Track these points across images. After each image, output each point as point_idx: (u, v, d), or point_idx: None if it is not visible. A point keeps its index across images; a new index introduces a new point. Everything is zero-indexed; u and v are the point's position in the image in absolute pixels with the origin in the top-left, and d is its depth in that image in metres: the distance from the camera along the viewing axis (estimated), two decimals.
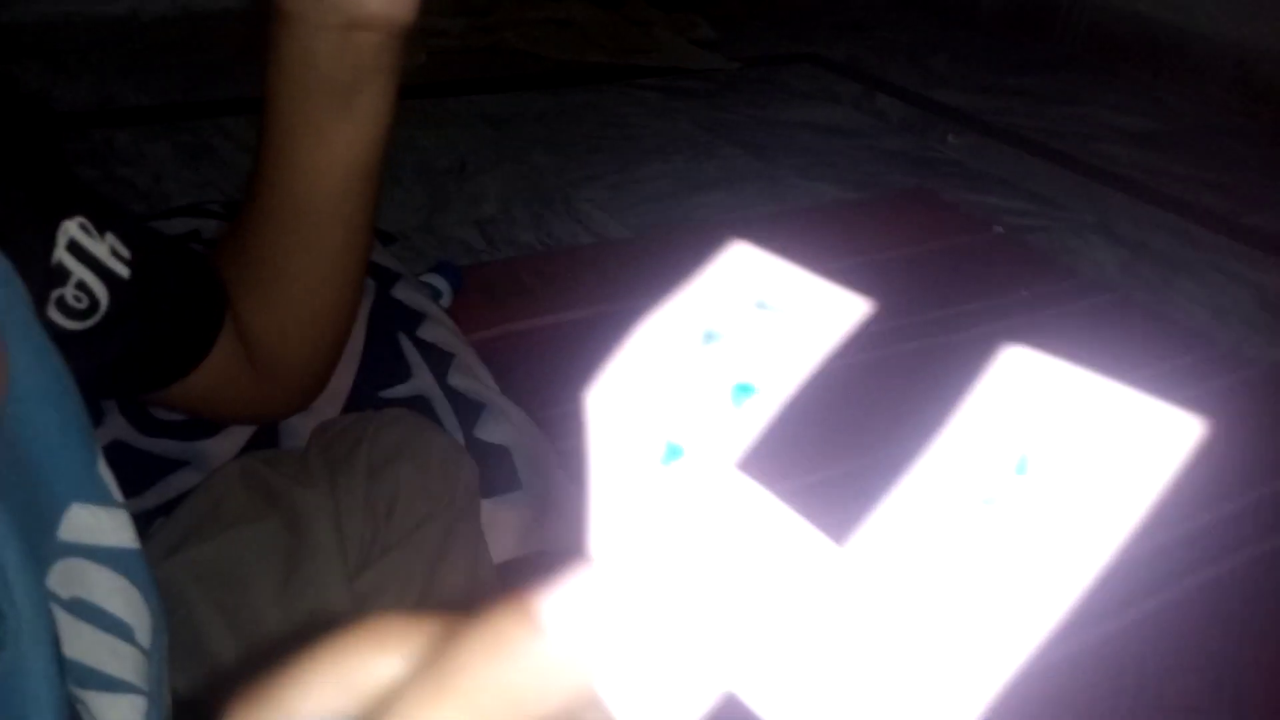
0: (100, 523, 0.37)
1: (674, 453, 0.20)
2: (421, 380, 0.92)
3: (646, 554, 0.16)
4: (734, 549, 0.15)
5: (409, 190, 1.63)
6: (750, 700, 0.14)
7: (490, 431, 0.92)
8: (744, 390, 0.20)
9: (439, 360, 0.95)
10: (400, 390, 0.91)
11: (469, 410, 0.93)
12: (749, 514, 0.15)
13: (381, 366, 0.90)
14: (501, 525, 0.86)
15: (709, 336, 0.23)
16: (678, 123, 2.01)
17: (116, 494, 0.38)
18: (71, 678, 0.35)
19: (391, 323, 0.96)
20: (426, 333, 0.98)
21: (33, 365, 0.35)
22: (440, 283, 1.28)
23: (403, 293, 0.99)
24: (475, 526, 0.75)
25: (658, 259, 1.47)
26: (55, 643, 0.33)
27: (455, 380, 0.95)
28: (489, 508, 0.87)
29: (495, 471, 0.90)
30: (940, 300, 1.40)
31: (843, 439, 1.11)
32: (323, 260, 0.54)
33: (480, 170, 1.73)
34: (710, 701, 0.15)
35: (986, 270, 1.51)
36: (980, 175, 1.87)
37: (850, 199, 1.72)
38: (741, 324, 0.19)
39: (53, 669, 0.31)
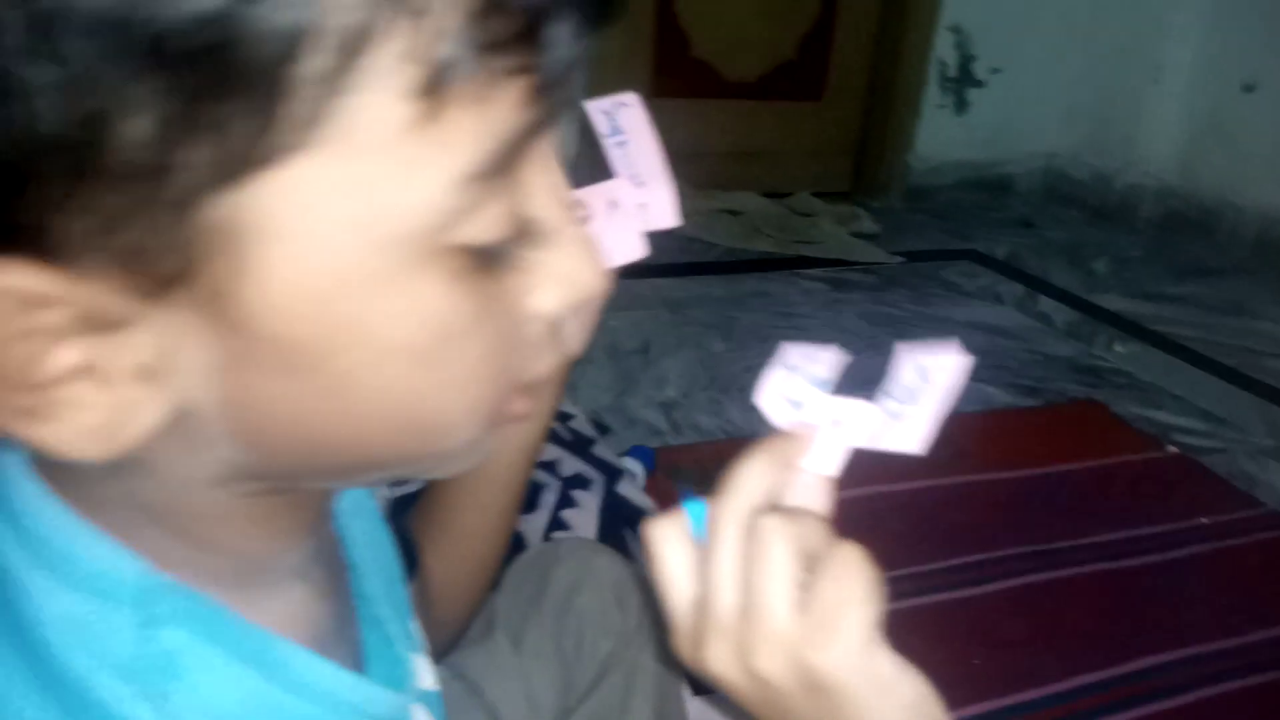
0: (423, 669, 0.46)
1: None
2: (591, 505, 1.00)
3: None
4: None
5: (600, 370, 1.76)
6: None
7: None
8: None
9: (611, 476, 1.03)
10: None
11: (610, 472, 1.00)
12: None
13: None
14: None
15: None
16: (844, 314, 2.11)
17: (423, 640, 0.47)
18: None
19: (619, 519, 1.05)
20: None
21: (368, 538, 0.44)
22: (636, 466, 1.37)
23: (626, 489, 1.09)
24: (651, 655, 0.80)
25: None
26: None
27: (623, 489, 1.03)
28: (699, 707, 0.92)
29: None
30: (1116, 522, 1.41)
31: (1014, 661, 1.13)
32: (493, 518, 0.64)
33: (663, 353, 1.85)
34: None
35: (1163, 493, 1.52)
36: (1150, 388, 1.88)
37: (1018, 405, 1.77)
38: None
39: None
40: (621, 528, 1.04)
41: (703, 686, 0.94)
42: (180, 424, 0.27)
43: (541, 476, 1.10)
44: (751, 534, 0.39)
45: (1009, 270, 2.44)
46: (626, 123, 0.45)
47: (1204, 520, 1.44)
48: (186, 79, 0.22)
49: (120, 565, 0.30)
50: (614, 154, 0.46)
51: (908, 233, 2.61)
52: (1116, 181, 2.93)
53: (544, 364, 0.33)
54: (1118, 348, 2.05)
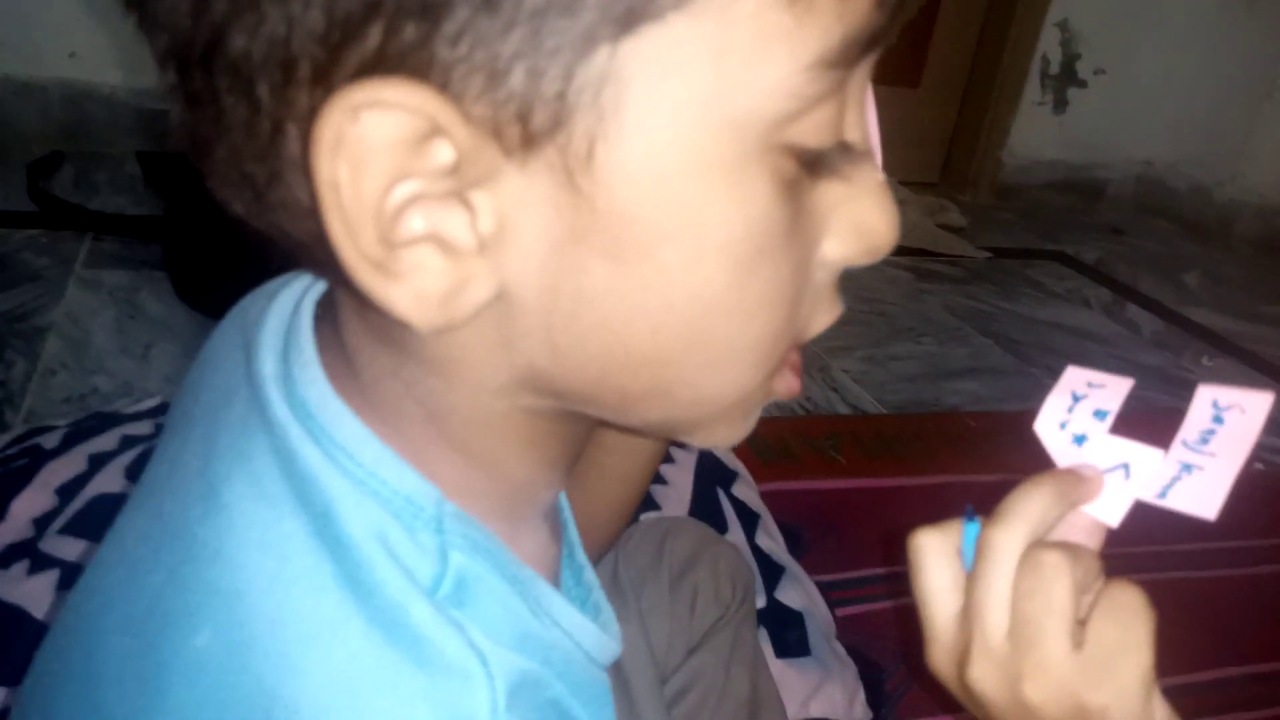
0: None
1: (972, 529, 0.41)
2: (735, 536, 1.01)
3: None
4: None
5: None
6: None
7: (789, 595, 1.00)
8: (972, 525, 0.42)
9: (748, 519, 1.05)
10: None
11: (771, 571, 1.01)
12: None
13: (705, 517, 1.00)
14: (789, 685, 0.93)
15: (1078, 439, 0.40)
16: (928, 304, 2.10)
17: None
18: None
19: (712, 478, 1.06)
20: (738, 491, 1.07)
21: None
22: None
23: (720, 451, 1.10)
24: (753, 627, 0.84)
25: (914, 439, 1.53)
26: None
27: (761, 540, 1.04)
28: (781, 666, 0.94)
29: (790, 633, 0.97)
30: (1197, 534, 1.39)
31: None
32: (643, 463, 0.64)
33: None
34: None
35: (1247, 508, 1.49)
36: None
37: None
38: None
39: None
40: (715, 485, 1.05)
41: (788, 648, 0.96)
42: (499, 310, 0.28)
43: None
44: (1033, 565, 0.39)
45: (1098, 275, 2.40)
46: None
47: None
48: None
49: (423, 489, 0.31)
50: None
51: (995, 229, 2.58)
52: (1216, 196, 2.85)
53: (822, 320, 0.33)
54: (1205, 361, 2.01)
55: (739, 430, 0.35)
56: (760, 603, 0.97)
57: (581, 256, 0.27)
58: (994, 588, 0.40)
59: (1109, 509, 0.41)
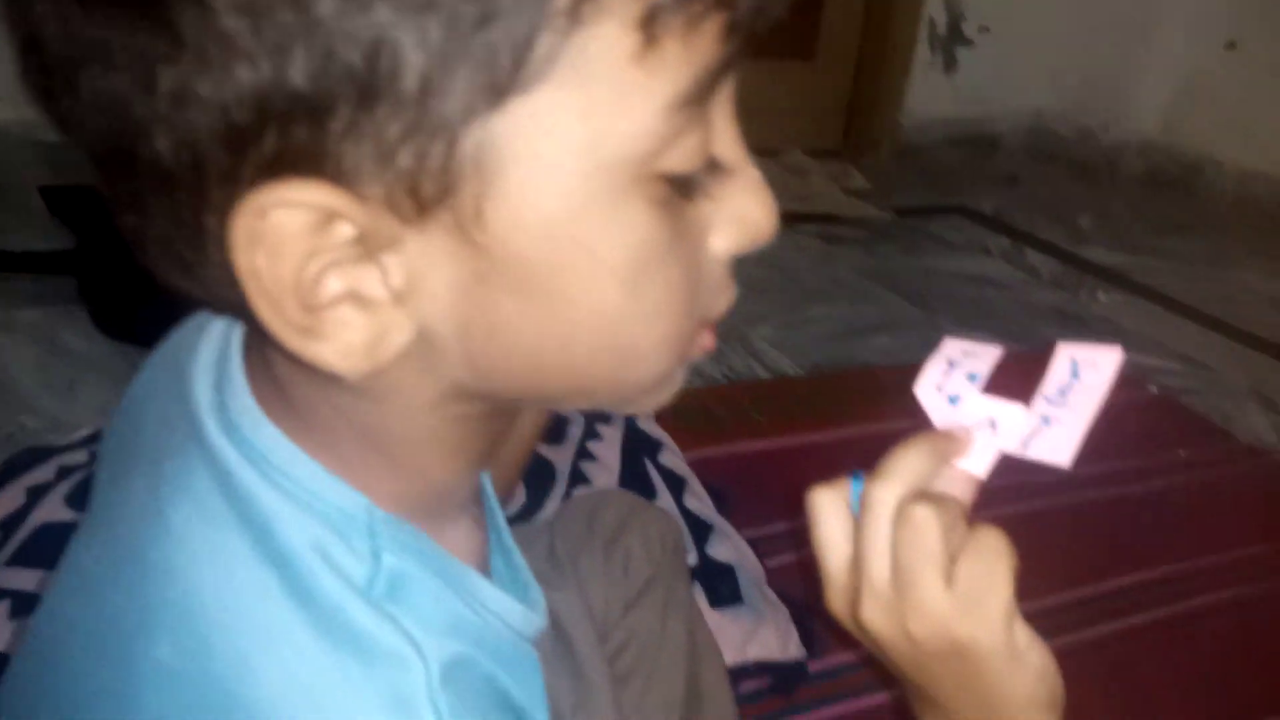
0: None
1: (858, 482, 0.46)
2: (664, 501, 1.07)
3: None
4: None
5: None
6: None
7: (718, 550, 1.06)
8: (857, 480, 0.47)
9: (675, 484, 1.10)
10: None
11: (700, 530, 1.07)
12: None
13: (634, 487, 1.06)
14: (726, 633, 0.99)
15: (953, 400, 0.46)
16: (838, 268, 2.18)
17: None
18: None
19: (639, 449, 1.11)
20: (664, 459, 1.13)
21: None
22: None
23: (645, 424, 1.15)
24: (686, 581, 0.90)
25: (831, 397, 1.60)
26: None
27: (689, 503, 1.10)
28: (716, 616, 1.00)
29: (722, 585, 1.03)
30: (1096, 457, 1.48)
31: None
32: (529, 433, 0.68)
33: None
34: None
35: (1143, 430, 1.59)
36: (1132, 335, 1.96)
37: (1008, 351, 1.84)
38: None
39: None
40: (641, 456, 1.11)
41: (720, 598, 1.02)
42: (420, 346, 0.31)
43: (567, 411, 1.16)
44: (906, 519, 0.43)
45: (996, 224, 2.51)
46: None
47: (1182, 453, 1.52)
48: (464, 13, 0.25)
49: (353, 500, 0.34)
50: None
51: (898, 189, 2.67)
52: (1101, 139, 2.99)
53: (722, 303, 0.36)
54: (1101, 297, 2.13)
55: (663, 398, 0.38)
56: (692, 560, 1.02)
57: (488, 295, 0.30)
58: (875, 538, 0.44)
59: (977, 462, 0.46)
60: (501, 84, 0.27)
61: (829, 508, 0.47)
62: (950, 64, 2.94)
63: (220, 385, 0.36)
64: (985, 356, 0.47)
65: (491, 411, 0.37)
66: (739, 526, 1.14)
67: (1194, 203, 2.75)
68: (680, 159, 0.30)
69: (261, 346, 0.36)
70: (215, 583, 0.33)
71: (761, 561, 1.10)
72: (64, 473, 0.95)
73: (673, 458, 1.14)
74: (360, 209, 0.28)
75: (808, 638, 1.05)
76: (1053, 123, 3.08)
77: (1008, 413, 0.45)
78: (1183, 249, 2.43)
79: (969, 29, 2.91)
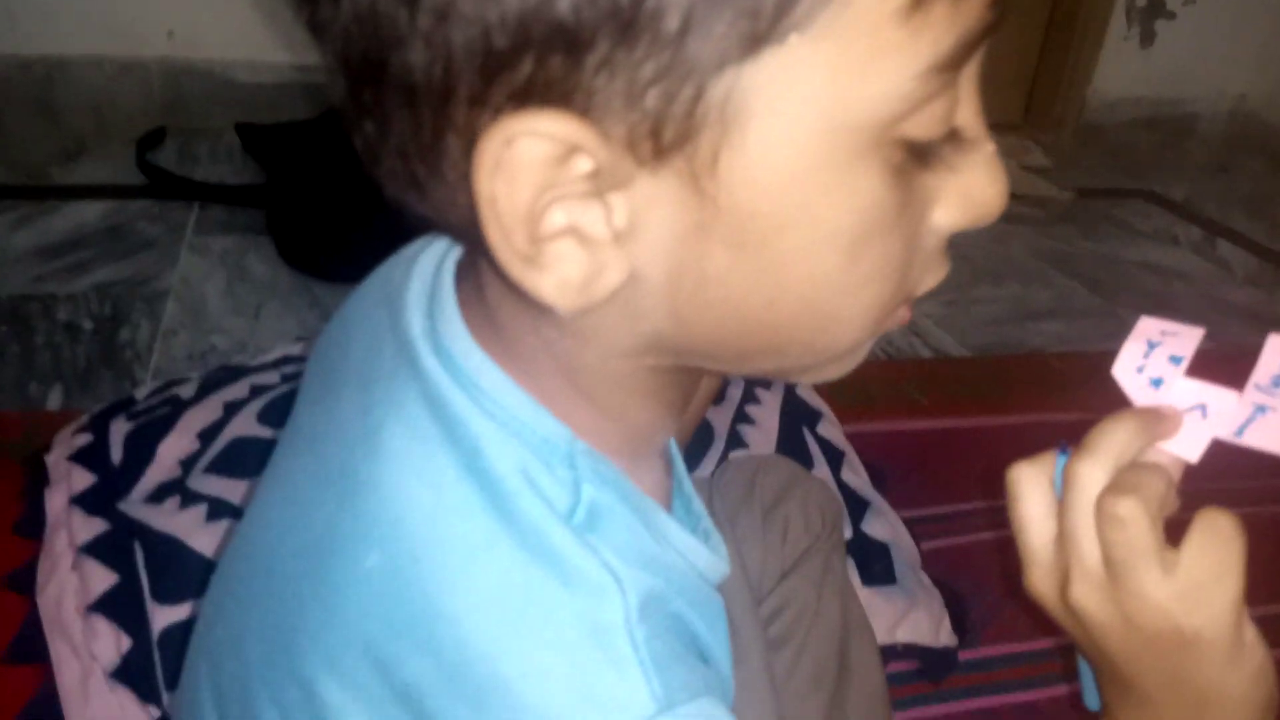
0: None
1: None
2: (821, 472, 1.05)
3: None
4: None
5: None
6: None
7: (874, 528, 1.04)
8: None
9: (833, 456, 1.08)
10: None
11: (857, 505, 1.05)
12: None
13: (791, 455, 1.04)
14: (876, 612, 0.97)
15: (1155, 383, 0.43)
16: (1011, 247, 2.08)
17: None
18: None
19: (797, 417, 1.10)
20: (823, 430, 1.11)
21: None
22: None
23: (805, 392, 1.14)
24: (843, 557, 0.88)
25: (997, 381, 1.54)
26: None
27: (846, 476, 1.08)
28: (868, 594, 0.98)
29: (876, 564, 1.01)
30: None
31: None
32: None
33: None
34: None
35: None
36: None
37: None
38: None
39: None
40: (800, 425, 1.09)
41: (874, 577, 1.00)
42: (629, 290, 0.31)
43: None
44: (1110, 516, 0.40)
45: (1187, 213, 2.35)
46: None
47: None
48: None
49: (556, 430, 0.35)
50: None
51: (1080, 169, 2.53)
52: None
53: (933, 277, 0.35)
54: None
55: (848, 367, 0.37)
56: (846, 535, 1.01)
57: (705, 245, 0.30)
58: (1082, 517, 0.41)
59: (1188, 446, 0.43)
60: (761, 32, 0.26)
61: (1031, 483, 0.44)
62: (1148, 38, 2.75)
63: (432, 313, 0.37)
64: (1188, 337, 0.44)
65: (683, 366, 0.37)
66: (896, 506, 1.11)
67: None
68: (925, 125, 0.29)
69: (476, 276, 0.37)
70: (424, 500, 0.33)
71: (918, 544, 1.07)
72: (256, 391, 1.01)
73: (832, 429, 1.12)
74: (603, 146, 0.28)
75: (960, 625, 1.02)
76: (1258, 109, 2.84)
77: (1219, 397, 0.43)
78: None
79: (1172, 1, 2.72)
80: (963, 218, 0.33)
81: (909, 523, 1.10)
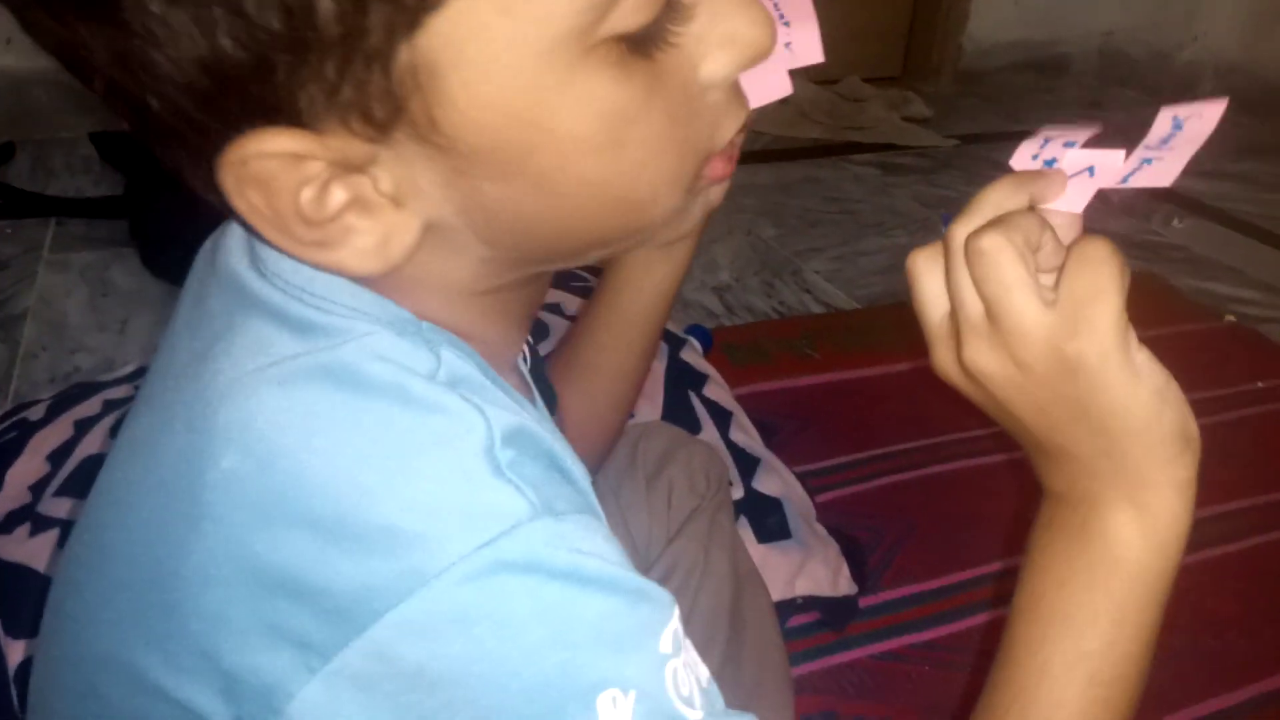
0: None
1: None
2: (709, 434, 1.04)
3: None
4: None
5: None
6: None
7: (765, 484, 1.03)
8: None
9: (721, 417, 1.07)
10: None
11: (747, 463, 1.04)
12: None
13: (678, 419, 1.03)
14: (773, 567, 0.97)
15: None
16: (896, 198, 2.11)
17: None
18: None
19: (683, 382, 1.09)
20: (710, 392, 1.10)
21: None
22: (694, 343, 1.41)
23: (689, 356, 1.12)
24: (729, 515, 0.88)
25: (887, 331, 1.55)
26: None
27: (735, 436, 1.07)
28: (763, 551, 0.98)
29: (770, 519, 1.01)
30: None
31: None
32: (633, 358, 0.68)
33: (713, 239, 1.87)
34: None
35: (1218, 360, 1.52)
36: (1207, 262, 1.87)
37: None
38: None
39: None
40: (686, 389, 1.08)
41: (768, 532, 1.00)
42: (435, 236, 0.34)
43: None
44: (974, 252, 0.39)
45: None
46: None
47: (1259, 384, 1.45)
48: None
49: (403, 312, 0.35)
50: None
51: (961, 116, 2.57)
52: (1176, 60, 2.84)
53: (729, 126, 0.36)
54: (1175, 223, 2.03)
55: (684, 228, 0.39)
56: (738, 494, 1.00)
57: (471, 184, 0.32)
58: (961, 276, 0.40)
59: (1073, 201, 0.43)
60: (413, 6, 0.28)
61: (925, 264, 0.43)
62: None
63: (253, 251, 0.36)
64: (1083, 131, 0.45)
65: (527, 277, 0.39)
66: (790, 461, 1.11)
67: (1274, 126, 2.60)
68: (628, 18, 0.30)
69: None
70: (271, 393, 0.33)
71: (812, 497, 1.07)
72: (109, 406, 0.95)
73: (719, 390, 1.11)
74: (321, 145, 0.30)
75: (859, 572, 1.02)
76: (1124, 44, 2.93)
77: (1107, 157, 0.43)
78: (1262, 173, 2.31)
79: None
80: (733, 62, 0.35)
81: (803, 476, 1.10)
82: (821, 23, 0.48)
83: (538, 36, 0.29)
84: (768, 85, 0.47)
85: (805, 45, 0.48)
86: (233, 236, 0.38)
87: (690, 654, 0.33)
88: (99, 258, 1.61)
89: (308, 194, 0.31)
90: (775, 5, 0.47)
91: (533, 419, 0.35)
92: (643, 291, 0.65)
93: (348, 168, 0.31)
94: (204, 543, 0.32)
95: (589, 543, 0.32)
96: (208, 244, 0.42)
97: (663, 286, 0.65)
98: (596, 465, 0.78)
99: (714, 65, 0.34)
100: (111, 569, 0.36)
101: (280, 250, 0.32)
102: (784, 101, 2.43)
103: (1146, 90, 2.85)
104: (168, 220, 1.52)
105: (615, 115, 0.32)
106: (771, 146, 2.36)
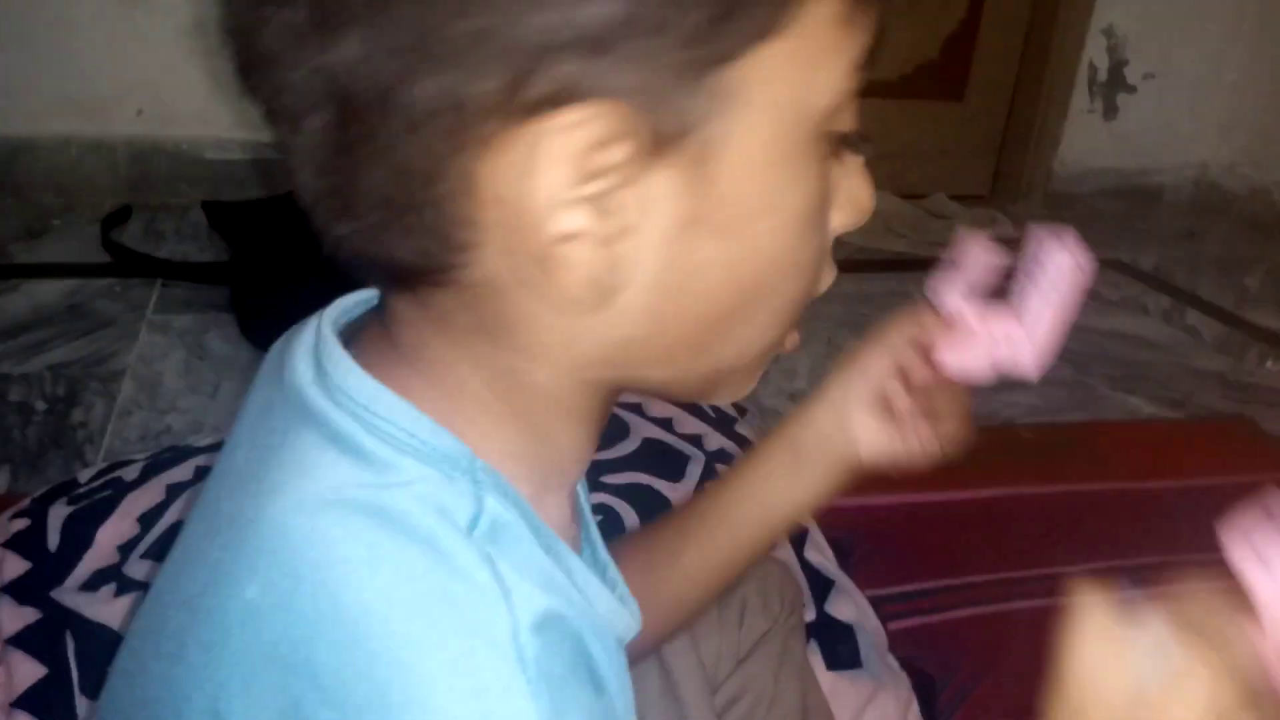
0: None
1: None
2: (783, 552, 1.03)
3: None
4: None
5: None
6: None
7: (839, 608, 1.01)
8: None
9: (797, 535, 1.06)
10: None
11: (820, 585, 1.02)
12: None
13: None
14: (842, 696, 0.94)
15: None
16: None
17: None
18: None
19: None
20: None
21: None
22: None
23: None
24: (801, 639, 0.86)
25: (969, 453, 1.52)
26: None
27: (809, 555, 1.05)
28: (833, 678, 0.95)
29: (841, 646, 0.98)
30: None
31: None
32: (725, 576, 0.66)
33: None
34: None
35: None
36: None
37: (1165, 418, 1.72)
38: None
39: None
40: None
41: (839, 660, 0.97)
42: (619, 292, 0.33)
43: (688, 449, 1.13)
44: None
45: (1155, 281, 2.36)
46: (1050, 263, 0.48)
47: None
48: None
49: (456, 446, 0.34)
50: (1021, 276, 0.48)
51: None
52: (1275, 195, 2.80)
53: (827, 280, 0.39)
54: (1269, 365, 1.97)
55: (746, 387, 0.40)
56: (810, 616, 0.98)
57: (697, 237, 0.32)
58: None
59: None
60: (755, 31, 0.30)
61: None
62: (1110, 111, 2.81)
63: (320, 362, 0.36)
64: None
65: (613, 386, 0.38)
66: (863, 585, 1.08)
67: None
68: (846, 120, 0.34)
69: (382, 322, 0.37)
70: (306, 522, 0.32)
71: (884, 624, 1.04)
72: (201, 473, 0.98)
73: None
74: (625, 137, 0.30)
75: (929, 708, 0.98)
76: (1220, 177, 2.89)
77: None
78: None
79: (1132, 75, 2.78)
80: (850, 218, 0.38)
81: (875, 601, 1.08)
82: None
83: (807, 102, 0.32)
84: (969, 363, 0.51)
85: (1023, 354, 0.49)
86: (300, 345, 0.37)
87: None
88: (198, 322, 1.67)
89: (564, 196, 0.30)
90: (1025, 297, 0.49)
91: (563, 598, 0.33)
92: (767, 519, 0.62)
93: (609, 182, 0.30)
94: (215, 673, 0.32)
95: None
96: (277, 345, 0.41)
97: (792, 512, 0.62)
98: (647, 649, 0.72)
99: (839, 216, 0.37)
100: (140, 681, 0.37)
101: (491, 262, 0.31)
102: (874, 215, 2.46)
103: (1242, 225, 2.81)
104: (267, 290, 1.58)
105: (816, 206, 0.35)
106: (855, 256, 2.37)
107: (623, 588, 0.44)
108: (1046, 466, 1.48)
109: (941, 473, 1.54)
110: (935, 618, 1.12)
